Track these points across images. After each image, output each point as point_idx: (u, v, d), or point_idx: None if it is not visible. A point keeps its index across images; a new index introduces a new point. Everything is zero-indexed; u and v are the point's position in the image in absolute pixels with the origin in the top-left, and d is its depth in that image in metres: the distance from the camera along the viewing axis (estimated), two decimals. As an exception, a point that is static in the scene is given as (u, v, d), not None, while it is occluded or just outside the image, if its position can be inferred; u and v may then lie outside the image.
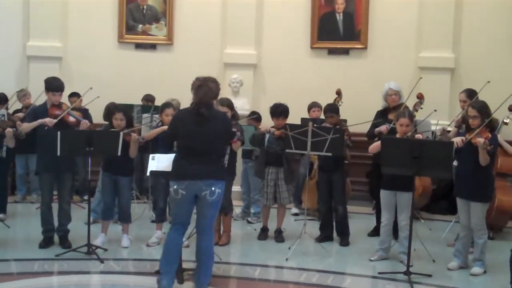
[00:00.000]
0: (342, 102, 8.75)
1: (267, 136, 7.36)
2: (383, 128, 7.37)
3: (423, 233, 7.79)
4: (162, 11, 10.74)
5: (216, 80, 5.50)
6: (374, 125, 7.67)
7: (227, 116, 5.83)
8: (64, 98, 7.31)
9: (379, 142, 6.52)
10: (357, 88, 9.91)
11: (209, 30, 10.67)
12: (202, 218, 5.42)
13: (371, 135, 7.65)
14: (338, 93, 9.00)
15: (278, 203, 7.56)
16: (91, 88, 7.40)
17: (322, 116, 8.86)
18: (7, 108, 8.65)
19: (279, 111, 7.44)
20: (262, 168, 7.51)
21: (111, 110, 7.71)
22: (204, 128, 5.31)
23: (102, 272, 6.24)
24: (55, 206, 7.09)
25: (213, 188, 5.30)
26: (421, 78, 8.24)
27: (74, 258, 6.55)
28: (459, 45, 10.09)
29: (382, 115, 7.76)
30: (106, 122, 7.45)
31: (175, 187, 5.33)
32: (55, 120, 6.67)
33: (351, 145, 7.56)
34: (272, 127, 7.46)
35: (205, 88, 5.33)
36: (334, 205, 7.52)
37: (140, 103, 9.35)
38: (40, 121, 6.72)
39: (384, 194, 6.70)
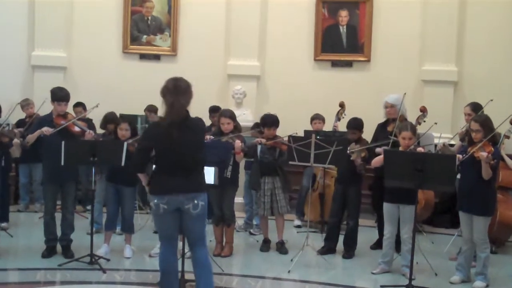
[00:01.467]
0: (345, 115, 8.77)
1: (259, 147, 7.38)
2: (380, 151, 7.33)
3: (426, 246, 7.79)
4: (167, 22, 10.79)
5: (188, 85, 5.11)
6: (374, 140, 7.71)
7: (203, 123, 5.47)
8: (69, 108, 7.33)
9: (382, 156, 6.53)
10: (360, 100, 9.92)
11: (213, 41, 10.71)
12: (190, 232, 5.26)
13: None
14: (342, 105, 9.03)
15: (275, 213, 7.55)
16: (97, 105, 7.38)
17: (325, 128, 8.91)
18: None
19: (270, 121, 7.47)
20: (257, 180, 7.52)
21: (108, 119, 7.74)
22: (179, 142, 5.02)
23: (104, 282, 6.26)
24: (58, 216, 7.10)
25: (195, 201, 5.08)
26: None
27: (76, 268, 6.56)
28: (462, 58, 10.13)
29: (382, 128, 7.79)
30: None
31: (155, 201, 5.10)
32: (52, 130, 6.69)
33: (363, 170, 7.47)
34: (263, 137, 7.49)
35: (177, 105, 4.98)
36: (346, 219, 7.52)
37: (143, 113, 9.38)
38: (38, 131, 6.75)
39: (387, 207, 6.71)
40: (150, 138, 5.24)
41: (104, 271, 6.48)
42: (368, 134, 7.75)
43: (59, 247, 7.07)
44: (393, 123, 7.46)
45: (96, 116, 8.20)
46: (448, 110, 9.82)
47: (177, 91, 5.01)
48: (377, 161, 6.69)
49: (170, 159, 5.09)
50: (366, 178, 8.24)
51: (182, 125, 5.03)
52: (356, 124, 7.53)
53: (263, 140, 7.34)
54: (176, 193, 5.05)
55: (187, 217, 5.13)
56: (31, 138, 6.85)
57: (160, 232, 5.32)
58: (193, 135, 5.12)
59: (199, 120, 5.36)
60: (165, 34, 10.81)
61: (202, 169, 5.33)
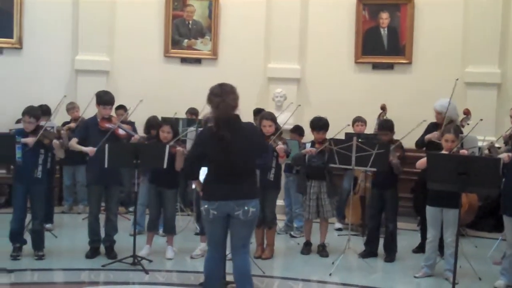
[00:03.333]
0: (386, 117, 8.71)
1: (308, 156, 7.37)
2: (433, 135, 7.28)
3: (469, 250, 7.66)
4: (207, 26, 10.87)
5: (234, 89, 5.08)
6: (425, 135, 7.66)
7: (255, 127, 5.47)
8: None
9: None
10: (402, 103, 9.85)
11: (253, 44, 10.75)
12: (235, 238, 5.18)
13: (421, 143, 7.61)
14: (383, 108, 8.98)
15: (320, 217, 7.55)
16: (141, 100, 7.49)
17: (366, 131, 8.86)
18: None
19: (320, 124, 7.47)
20: (303, 183, 7.53)
21: (151, 123, 7.82)
22: (231, 147, 4.97)
23: (146, 283, 6.33)
24: (101, 217, 7.21)
25: (246, 208, 5.03)
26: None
27: (119, 269, 6.65)
28: (505, 60, 9.97)
29: (433, 128, 7.73)
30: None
31: (205, 206, 5.08)
32: (95, 149, 6.79)
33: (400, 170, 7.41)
34: (312, 141, 7.49)
35: (223, 105, 4.96)
36: (385, 222, 7.47)
37: (185, 116, 9.46)
38: (83, 149, 6.90)
39: (430, 210, 6.63)
40: (201, 143, 5.22)
41: (146, 272, 6.55)
42: (411, 136, 7.65)
43: (102, 248, 7.18)
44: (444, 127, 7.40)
45: (139, 119, 8.31)
46: (492, 113, 9.66)
47: (222, 92, 4.99)
48: (422, 163, 6.62)
49: (221, 164, 5.05)
50: (407, 181, 8.19)
51: (233, 129, 4.98)
52: (387, 126, 7.52)
53: (313, 150, 7.32)
54: (226, 199, 5.01)
55: (235, 222, 5.08)
56: (74, 147, 6.99)
57: (209, 237, 5.30)
58: (244, 140, 5.05)
59: (251, 125, 5.37)
60: (206, 38, 10.89)
61: (254, 175, 5.27)
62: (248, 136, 5.11)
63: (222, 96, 4.98)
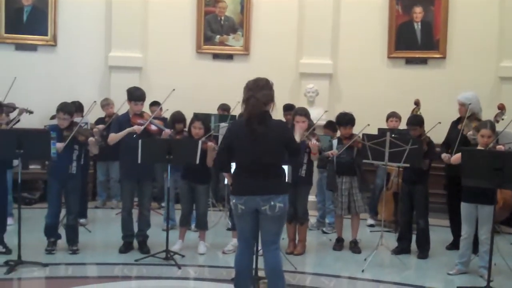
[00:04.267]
0: (420, 113, 8.63)
1: (335, 145, 7.34)
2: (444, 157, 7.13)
3: (504, 247, 7.54)
4: (239, 22, 10.89)
5: (267, 85, 5.06)
6: (447, 137, 7.59)
7: (285, 124, 5.42)
8: (145, 107, 7.49)
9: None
10: (436, 98, 9.75)
11: (285, 40, 10.74)
12: (264, 233, 5.15)
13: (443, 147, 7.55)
14: (417, 103, 8.89)
15: (352, 212, 7.51)
16: (174, 89, 7.52)
17: (400, 127, 8.78)
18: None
19: (346, 120, 7.45)
20: (333, 180, 7.50)
21: (176, 118, 7.86)
22: (259, 141, 4.96)
23: (179, 278, 6.35)
24: (134, 212, 7.28)
25: (272, 203, 4.98)
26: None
27: (152, 264, 6.69)
28: (542, 54, 9.80)
29: (454, 125, 7.65)
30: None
31: (234, 201, 5.10)
32: (142, 127, 6.86)
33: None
34: (339, 137, 7.52)
35: (253, 100, 4.95)
36: (416, 219, 7.41)
37: (216, 112, 9.49)
38: (128, 129, 6.93)
39: (464, 207, 6.54)
40: (229, 135, 5.21)
41: (179, 266, 6.58)
42: (444, 132, 7.57)
43: (135, 243, 7.24)
44: (467, 120, 7.30)
45: (166, 115, 8.34)
46: (528, 108, 9.49)
47: (254, 87, 5.01)
48: (457, 158, 6.53)
49: (247, 158, 5.04)
50: (439, 177, 8.10)
51: (263, 124, 4.95)
52: (416, 121, 7.43)
53: (334, 152, 7.28)
54: (253, 194, 5.00)
55: (263, 218, 5.06)
56: (115, 138, 7.03)
57: (239, 232, 5.28)
58: (272, 134, 5.00)
59: (280, 122, 5.34)
60: (238, 33, 10.91)
61: (281, 170, 5.21)
62: (277, 132, 5.06)
63: (254, 90, 4.99)
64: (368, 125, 7.32)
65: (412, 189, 7.31)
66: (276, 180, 5.08)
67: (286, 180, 6.03)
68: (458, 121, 7.65)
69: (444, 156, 7.05)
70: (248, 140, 4.99)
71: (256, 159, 5.00)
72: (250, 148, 5.00)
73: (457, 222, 6.95)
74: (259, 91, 4.99)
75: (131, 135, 6.89)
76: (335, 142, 7.52)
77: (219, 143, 6.51)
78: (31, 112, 8.91)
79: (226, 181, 6.40)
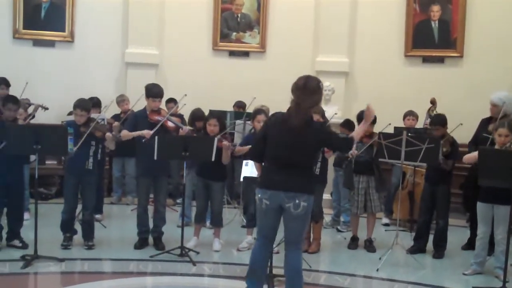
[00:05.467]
0: (436, 112, 8.58)
1: (352, 157, 7.29)
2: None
3: (520, 248, 7.50)
4: (256, 19, 10.89)
5: (319, 88, 5.01)
6: (476, 135, 7.53)
7: (322, 125, 5.39)
8: (161, 104, 7.50)
9: (475, 153, 6.35)
10: (452, 97, 9.70)
11: (302, 38, 10.74)
12: (287, 231, 5.10)
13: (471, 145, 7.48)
14: (433, 102, 8.85)
15: (368, 212, 7.49)
16: (186, 95, 7.58)
17: (417, 125, 8.75)
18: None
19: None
20: (351, 178, 7.47)
21: (196, 116, 7.87)
22: (296, 139, 4.93)
23: (193, 275, 6.36)
24: (150, 209, 7.31)
25: (296, 201, 4.92)
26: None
27: (167, 260, 6.71)
28: None
29: (484, 124, 7.59)
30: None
31: (259, 195, 5.07)
32: (152, 132, 6.86)
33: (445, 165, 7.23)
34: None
35: (301, 105, 4.90)
36: (436, 218, 7.37)
37: (232, 109, 9.50)
38: (138, 132, 6.94)
39: (481, 206, 6.50)
40: (267, 127, 5.18)
41: (193, 263, 6.60)
42: (464, 131, 7.49)
43: (150, 239, 7.26)
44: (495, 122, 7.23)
45: (188, 112, 8.36)
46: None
47: (305, 91, 4.92)
48: (470, 157, 6.50)
49: (278, 154, 5.00)
50: (458, 177, 8.04)
51: (303, 124, 4.92)
52: (439, 120, 7.37)
53: (354, 153, 7.21)
54: (278, 189, 4.95)
55: (287, 216, 5.01)
56: (126, 136, 7.05)
57: (259, 228, 5.24)
58: (308, 134, 4.95)
59: (318, 124, 5.34)
60: (254, 31, 10.91)
61: (310, 170, 5.21)
62: (314, 134, 5.00)
63: (304, 95, 4.91)
64: (389, 124, 7.29)
65: (434, 189, 7.27)
66: (303, 179, 5.01)
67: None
68: (489, 120, 7.57)
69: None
70: (284, 136, 4.95)
71: (288, 156, 4.95)
72: (284, 143, 4.95)
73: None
74: (309, 97, 4.92)
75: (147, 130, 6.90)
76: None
77: (256, 133, 6.46)
78: (46, 108, 9.02)
79: (241, 179, 6.40)
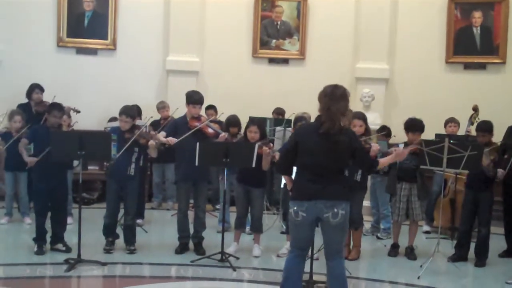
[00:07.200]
0: (478, 119, 8.47)
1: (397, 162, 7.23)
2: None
3: None
4: (296, 26, 10.91)
5: (345, 95, 5.03)
6: (504, 143, 7.48)
7: (354, 133, 5.35)
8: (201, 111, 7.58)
9: None
10: (495, 104, 9.57)
11: (341, 44, 10.71)
12: (328, 243, 5.06)
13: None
14: (475, 109, 8.74)
15: (410, 219, 7.43)
16: (223, 113, 7.59)
17: (459, 132, 8.66)
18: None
19: (416, 126, 7.32)
20: (393, 184, 7.42)
21: (230, 122, 7.92)
22: (330, 147, 4.90)
23: (234, 280, 6.40)
24: (190, 214, 7.37)
25: (335, 210, 4.87)
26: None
27: (208, 265, 6.77)
28: None
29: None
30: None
31: (295, 208, 4.96)
32: (176, 140, 6.93)
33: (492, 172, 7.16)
34: (405, 142, 7.35)
35: (331, 110, 4.91)
36: (478, 226, 7.29)
37: (271, 116, 9.53)
38: (164, 140, 7.00)
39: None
40: (297, 138, 5.14)
41: (234, 268, 6.63)
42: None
43: (191, 244, 7.32)
44: None
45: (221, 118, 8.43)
46: None
47: (333, 96, 4.96)
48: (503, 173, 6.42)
49: (312, 163, 4.96)
50: (497, 184, 7.94)
51: (337, 131, 4.92)
52: (486, 127, 7.30)
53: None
54: (316, 198, 4.91)
55: (326, 226, 4.97)
56: (157, 137, 7.07)
57: (293, 241, 5.16)
58: (344, 143, 4.94)
59: (350, 131, 5.31)
60: (294, 38, 10.93)
61: (344, 177, 5.19)
62: (347, 140, 4.98)
63: (332, 100, 4.94)
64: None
65: (477, 196, 7.19)
66: (340, 186, 5.00)
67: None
68: None
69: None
70: (320, 142, 4.92)
71: (325, 162, 4.92)
72: (320, 150, 4.92)
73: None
74: (336, 102, 4.95)
75: (188, 138, 6.96)
76: (401, 146, 7.39)
77: (283, 146, 6.50)
78: (78, 111, 9.13)
79: (282, 185, 6.41)
